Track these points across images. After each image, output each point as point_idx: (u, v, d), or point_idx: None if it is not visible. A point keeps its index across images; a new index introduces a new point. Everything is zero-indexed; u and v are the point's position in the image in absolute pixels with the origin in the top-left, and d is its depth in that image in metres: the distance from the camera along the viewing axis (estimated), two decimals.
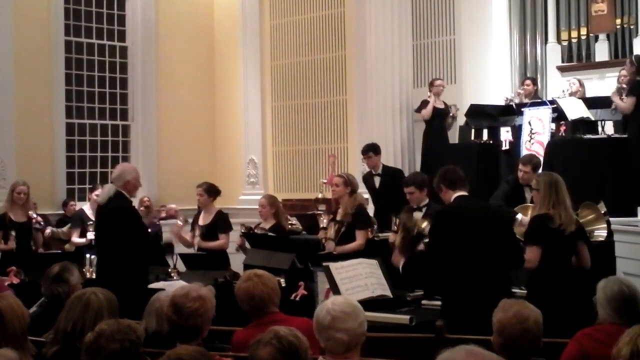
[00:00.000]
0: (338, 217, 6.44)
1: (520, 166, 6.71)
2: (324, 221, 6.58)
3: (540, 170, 6.85)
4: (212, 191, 6.99)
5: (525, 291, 4.86)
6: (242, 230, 6.91)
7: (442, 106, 8.95)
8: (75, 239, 7.60)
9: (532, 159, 6.89)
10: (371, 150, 7.88)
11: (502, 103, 9.14)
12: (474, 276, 4.24)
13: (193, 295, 3.23)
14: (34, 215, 7.28)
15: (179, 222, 6.99)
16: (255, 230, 6.86)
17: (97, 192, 7.61)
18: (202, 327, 3.23)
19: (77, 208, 8.56)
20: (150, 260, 6.16)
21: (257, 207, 7.08)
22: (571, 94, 8.68)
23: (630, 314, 3.27)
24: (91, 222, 7.35)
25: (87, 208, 7.84)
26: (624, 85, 7.45)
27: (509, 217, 4.74)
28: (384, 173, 7.90)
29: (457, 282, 4.29)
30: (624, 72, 7.91)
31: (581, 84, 8.82)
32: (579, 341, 3.30)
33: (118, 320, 2.82)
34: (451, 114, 8.95)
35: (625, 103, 7.14)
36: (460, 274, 4.28)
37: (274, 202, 6.89)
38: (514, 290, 5.18)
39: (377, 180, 7.95)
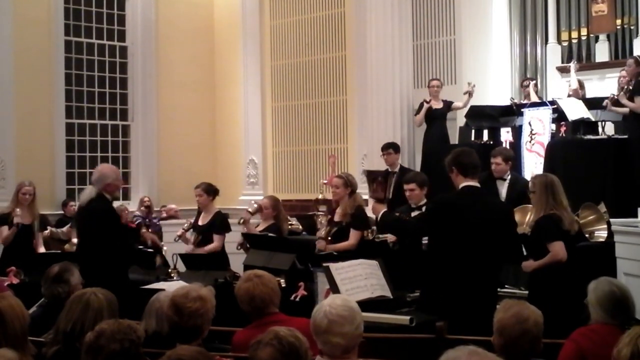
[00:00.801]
0: (337, 218, 6.42)
1: (492, 159, 6.66)
2: (322, 222, 6.55)
3: (511, 163, 6.83)
4: (210, 191, 6.99)
5: (527, 292, 4.87)
6: (240, 224, 6.89)
7: (440, 106, 8.94)
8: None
9: (502, 151, 6.87)
10: (391, 147, 7.98)
11: (507, 103, 9.12)
12: (465, 271, 4.22)
13: (193, 296, 3.23)
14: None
15: (183, 228, 6.98)
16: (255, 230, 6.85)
17: None
18: (202, 328, 3.23)
19: (77, 208, 8.55)
20: (133, 261, 6.20)
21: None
22: (570, 96, 8.67)
23: (622, 314, 3.29)
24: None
25: None
26: (629, 86, 7.43)
27: (510, 212, 4.68)
28: (401, 173, 7.92)
29: (448, 276, 4.26)
30: (623, 73, 7.91)
31: (581, 85, 8.81)
32: (576, 340, 3.31)
33: (118, 320, 2.81)
34: (466, 91, 8.86)
35: (636, 103, 7.12)
36: (452, 268, 4.25)
37: (276, 205, 6.86)
38: (514, 291, 5.20)
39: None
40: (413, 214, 5.73)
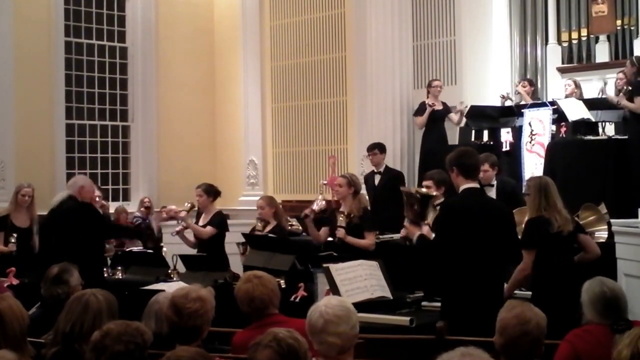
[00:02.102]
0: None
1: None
2: (341, 218, 6.34)
3: (497, 168, 6.78)
4: (211, 191, 7.00)
5: (530, 293, 4.86)
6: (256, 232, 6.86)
7: (441, 107, 8.94)
8: None
9: (489, 158, 6.83)
10: (377, 148, 7.96)
11: (499, 100, 9.14)
12: (478, 273, 4.23)
13: (193, 296, 3.23)
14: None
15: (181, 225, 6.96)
16: (255, 232, 6.83)
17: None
18: (202, 328, 3.23)
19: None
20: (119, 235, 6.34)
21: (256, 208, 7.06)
22: (567, 96, 8.67)
23: (613, 314, 3.29)
24: None
25: None
26: (628, 87, 7.44)
27: (510, 214, 4.69)
28: (385, 173, 7.92)
29: (461, 279, 4.26)
30: (620, 75, 7.91)
31: (577, 85, 8.81)
32: (571, 342, 3.32)
33: (126, 322, 2.80)
34: (458, 110, 8.89)
35: (636, 104, 7.13)
36: (465, 271, 4.25)
37: (272, 203, 6.86)
38: (515, 292, 5.18)
39: (377, 179, 7.98)
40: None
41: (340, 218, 6.12)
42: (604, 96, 7.88)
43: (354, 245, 6.03)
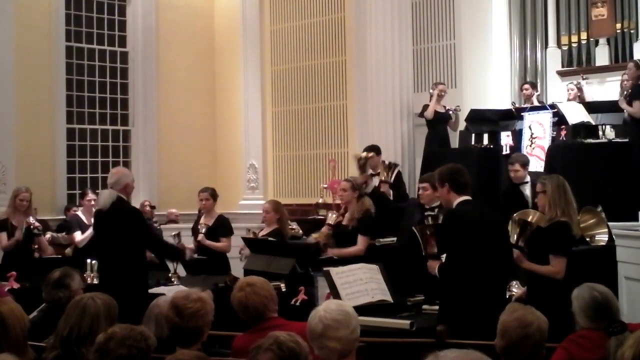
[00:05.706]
0: (344, 222, 6.33)
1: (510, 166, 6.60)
2: (331, 216, 6.33)
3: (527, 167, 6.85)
4: (215, 196, 7.12)
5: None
6: (247, 236, 6.87)
7: (443, 110, 8.94)
8: (78, 237, 7.48)
9: (519, 158, 6.87)
10: (373, 151, 7.93)
11: (509, 107, 9.13)
12: (482, 279, 4.25)
13: (193, 297, 3.25)
14: (32, 221, 7.11)
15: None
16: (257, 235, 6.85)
17: (89, 198, 7.57)
18: (202, 330, 3.23)
19: (95, 212, 8.43)
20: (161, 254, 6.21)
21: (257, 211, 7.09)
22: (570, 100, 8.69)
23: (605, 319, 3.28)
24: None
25: (81, 213, 7.76)
26: (629, 90, 7.47)
27: (504, 223, 4.71)
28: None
29: (467, 284, 4.26)
30: (626, 77, 7.92)
31: (579, 88, 8.82)
32: (566, 348, 3.32)
33: (131, 326, 2.81)
34: (452, 112, 8.89)
35: (634, 108, 7.14)
36: (470, 277, 4.25)
37: (278, 208, 6.86)
38: (513, 289, 5.20)
39: (376, 181, 7.97)
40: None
41: (331, 215, 6.16)
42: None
43: (341, 256, 5.91)
